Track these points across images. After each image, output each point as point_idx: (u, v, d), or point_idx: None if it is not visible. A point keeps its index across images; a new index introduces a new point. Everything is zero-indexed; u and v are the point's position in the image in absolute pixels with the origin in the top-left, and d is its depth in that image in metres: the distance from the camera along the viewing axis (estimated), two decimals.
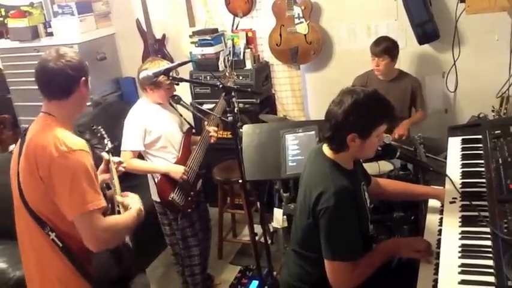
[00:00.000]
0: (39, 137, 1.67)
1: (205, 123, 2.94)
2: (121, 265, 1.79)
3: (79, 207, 1.61)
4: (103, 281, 1.74)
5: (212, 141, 2.91)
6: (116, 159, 2.08)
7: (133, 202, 1.89)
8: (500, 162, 1.93)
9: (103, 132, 2.25)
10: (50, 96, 1.76)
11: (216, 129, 2.94)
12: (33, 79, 4.36)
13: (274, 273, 2.90)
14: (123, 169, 2.08)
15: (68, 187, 1.60)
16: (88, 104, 4.36)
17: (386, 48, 3.24)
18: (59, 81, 1.73)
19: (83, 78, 1.77)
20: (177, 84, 2.72)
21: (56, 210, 1.64)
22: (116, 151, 2.24)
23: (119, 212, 1.82)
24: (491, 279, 1.42)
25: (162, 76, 2.40)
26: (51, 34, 4.37)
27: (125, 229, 1.79)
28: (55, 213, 1.65)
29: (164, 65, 2.62)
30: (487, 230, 1.63)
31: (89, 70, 1.84)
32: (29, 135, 1.71)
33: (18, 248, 2.68)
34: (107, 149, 2.13)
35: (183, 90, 3.46)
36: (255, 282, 2.96)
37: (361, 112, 1.76)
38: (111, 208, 1.82)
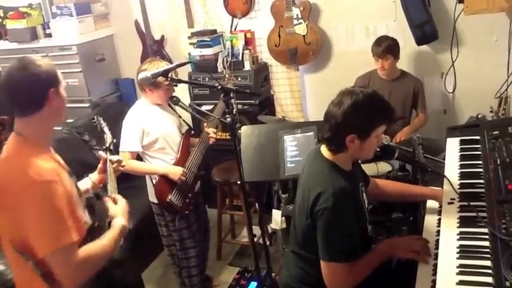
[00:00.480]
0: (5, 164, 1.57)
1: (205, 124, 2.94)
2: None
3: (49, 244, 1.49)
4: None
5: (211, 142, 2.91)
6: (114, 157, 2.00)
7: (118, 214, 1.75)
8: (499, 162, 1.93)
9: (103, 125, 2.16)
10: (16, 113, 1.61)
11: (215, 130, 2.94)
12: None
13: (273, 274, 2.90)
14: (121, 168, 2.01)
15: (35, 223, 1.48)
16: (87, 105, 4.37)
17: (388, 47, 3.24)
18: (23, 97, 1.58)
19: (51, 89, 1.59)
20: (176, 86, 2.73)
21: (28, 240, 1.52)
22: (115, 149, 2.20)
23: (109, 224, 1.72)
24: (489, 279, 1.42)
25: (161, 77, 2.40)
26: (49, 35, 4.37)
27: (104, 256, 1.64)
28: (27, 243, 1.52)
29: (163, 65, 2.62)
30: (485, 230, 1.63)
31: (58, 79, 1.65)
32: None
33: None
34: (107, 143, 2.05)
35: (182, 92, 3.46)
36: (254, 284, 2.96)
37: (361, 113, 1.76)
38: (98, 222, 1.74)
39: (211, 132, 2.90)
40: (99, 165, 1.99)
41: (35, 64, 1.60)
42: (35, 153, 1.58)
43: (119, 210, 1.78)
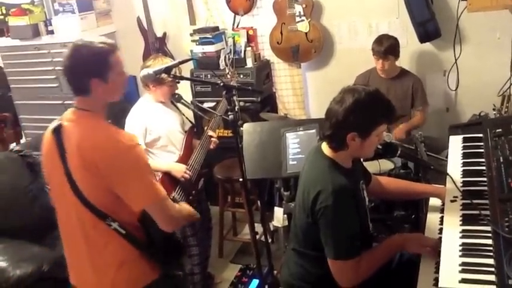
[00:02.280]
0: (92, 138, 1.66)
1: (205, 128, 2.93)
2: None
3: (150, 197, 1.68)
4: (166, 258, 1.83)
5: (212, 147, 2.90)
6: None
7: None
8: (502, 160, 1.92)
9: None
10: (73, 91, 1.73)
11: (215, 135, 2.92)
12: (34, 78, 4.38)
13: (275, 272, 2.89)
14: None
15: (137, 180, 1.66)
16: None
17: (390, 48, 3.23)
18: (71, 82, 1.70)
19: (94, 79, 1.67)
20: (178, 82, 2.72)
21: (118, 201, 1.68)
22: None
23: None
24: (492, 277, 1.42)
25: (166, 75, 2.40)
26: (52, 32, 4.37)
27: (188, 217, 1.91)
28: (117, 204, 1.69)
29: (167, 62, 2.62)
30: (488, 228, 1.63)
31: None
32: (74, 135, 1.68)
33: (18, 247, 2.71)
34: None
35: (184, 89, 3.46)
36: (256, 281, 2.96)
37: (362, 111, 1.75)
38: None
39: (212, 134, 2.89)
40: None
41: (82, 52, 1.67)
42: (108, 123, 1.75)
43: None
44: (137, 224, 1.76)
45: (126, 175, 1.65)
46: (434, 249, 1.77)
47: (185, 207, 1.93)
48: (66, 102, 4.47)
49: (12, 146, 4.53)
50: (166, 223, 1.74)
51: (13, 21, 4.39)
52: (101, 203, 1.69)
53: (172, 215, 1.75)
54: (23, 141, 4.75)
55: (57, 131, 1.73)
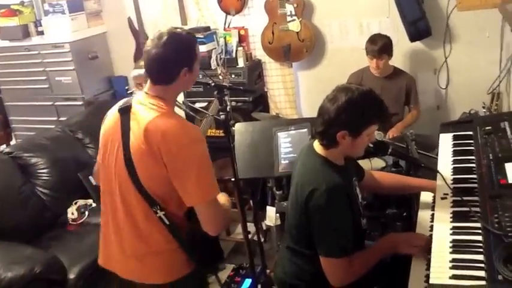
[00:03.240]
0: (161, 123, 1.65)
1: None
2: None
3: (205, 195, 1.66)
4: (202, 257, 1.81)
5: None
6: None
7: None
8: (491, 158, 1.94)
9: None
10: (154, 81, 1.72)
11: None
12: (25, 79, 4.36)
13: (268, 271, 2.90)
14: None
15: (195, 175, 1.63)
16: (80, 103, 4.36)
17: (383, 46, 3.24)
18: (158, 69, 1.69)
19: (184, 68, 1.69)
20: None
21: (171, 192, 1.67)
22: None
23: None
24: (482, 273, 1.43)
25: None
26: (42, 33, 4.35)
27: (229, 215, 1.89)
28: (169, 195, 1.68)
29: None
30: (478, 225, 1.64)
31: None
32: (142, 119, 1.67)
33: (10, 249, 2.69)
34: None
35: None
36: (248, 281, 2.96)
37: (354, 110, 1.76)
38: None
39: None
40: None
41: (174, 42, 1.67)
42: (178, 114, 1.75)
43: None
44: (183, 218, 1.75)
45: (188, 168, 1.63)
46: (426, 248, 1.79)
47: (226, 205, 1.87)
48: (56, 103, 4.46)
49: (3, 147, 4.50)
50: (212, 226, 1.71)
51: (3, 22, 4.37)
52: (154, 190, 1.68)
53: (220, 218, 1.73)
54: (13, 142, 4.72)
55: (126, 112, 1.73)
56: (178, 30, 1.74)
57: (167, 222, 1.71)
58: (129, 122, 1.70)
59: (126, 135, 1.69)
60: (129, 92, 2.65)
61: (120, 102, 1.80)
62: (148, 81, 1.74)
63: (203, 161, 1.67)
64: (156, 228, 1.72)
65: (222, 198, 1.86)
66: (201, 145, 1.68)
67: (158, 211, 1.70)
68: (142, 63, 2.63)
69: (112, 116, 1.80)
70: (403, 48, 3.64)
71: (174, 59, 1.68)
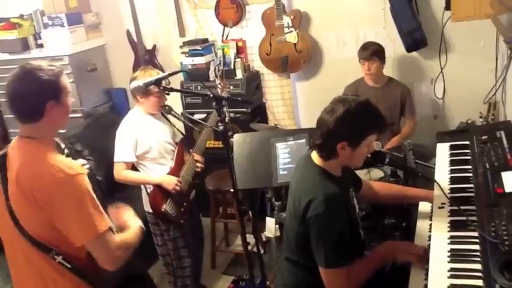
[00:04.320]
0: (30, 166, 1.60)
1: (191, 151, 2.94)
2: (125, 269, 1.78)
3: (90, 231, 1.58)
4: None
5: (199, 170, 2.91)
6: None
7: (132, 217, 1.87)
8: (488, 167, 1.95)
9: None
10: (20, 118, 1.65)
11: (201, 160, 2.93)
12: None
13: (267, 282, 2.90)
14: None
15: (75, 213, 1.57)
16: (79, 115, 4.37)
17: (375, 51, 3.28)
18: (21, 108, 1.63)
19: (50, 101, 1.62)
20: (168, 94, 2.73)
21: (60, 235, 1.60)
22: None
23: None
24: (480, 282, 1.43)
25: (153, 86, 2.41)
26: (41, 46, 4.37)
27: (133, 246, 1.76)
28: (59, 238, 1.61)
29: (155, 74, 2.64)
30: (476, 234, 1.64)
31: (67, 86, 1.68)
32: (15, 164, 1.63)
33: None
34: None
35: (174, 101, 3.47)
36: None
37: (353, 121, 1.78)
38: None
39: (199, 158, 2.90)
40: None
41: (35, 75, 1.61)
42: (53, 151, 1.66)
43: (131, 213, 1.89)
44: (86, 257, 1.66)
45: (65, 207, 1.56)
46: (423, 256, 1.79)
47: (129, 234, 1.76)
48: None
49: None
50: (106, 261, 1.63)
51: (2, 35, 4.39)
52: (42, 236, 1.62)
53: (113, 252, 1.62)
54: None
55: (2, 160, 1.67)
56: (38, 63, 1.65)
57: (69, 266, 1.64)
58: (6, 171, 1.65)
59: (5, 185, 1.64)
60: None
61: (1, 151, 1.73)
62: (20, 124, 1.67)
63: (81, 197, 1.58)
64: (60, 273, 1.66)
65: (132, 227, 1.79)
66: (76, 181, 1.58)
67: (56, 256, 1.63)
68: (135, 74, 2.68)
69: None
70: (399, 59, 3.67)
71: (35, 93, 1.61)
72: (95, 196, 1.63)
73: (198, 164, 2.90)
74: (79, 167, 1.65)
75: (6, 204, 1.63)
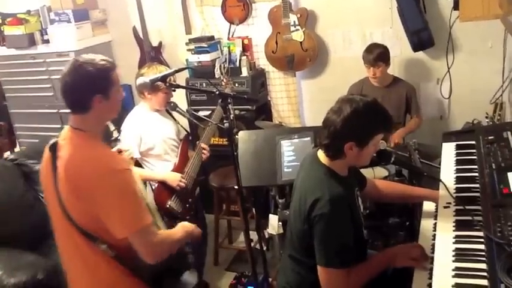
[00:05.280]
0: (78, 158, 1.64)
1: (197, 142, 2.94)
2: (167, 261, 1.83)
3: (132, 225, 1.62)
4: (155, 278, 1.79)
5: (204, 158, 2.90)
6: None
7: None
8: (494, 167, 1.94)
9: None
10: (69, 109, 1.71)
11: (207, 148, 2.93)
12: (30, 87, 4.36)
13: (270, 279, 2.89)
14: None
15: (117, 208, 1.61)
16: None
17: (379, 55, 3.26)
18: (71, 97, 1.68)
19: (98, 95, 1.66)
20: (174, 91, 2.74)
21: (104, 225, 1.64)
22: None
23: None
24: (485, 282, 1.43)
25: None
26: (47, 41, 4.39)
27: (177, 242, 1.82)
28: (102, 228, 1.65)
29: (162, 70, 2.64)
30: (481, 234, 1.64)
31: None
32: (64, 154, 1.67)
33: (13, 255, 2.69)
34: None
35: (179, 97, 3.47)
36: None
37: (360, 121, 1.77)
38: None
39: (205, 146, 2.90)
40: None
41: (84, 69, 1.65)
42: (101, 144, 1.72)
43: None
44: (128, 245, 1.68)
45: (109, 200, 1.60)
46: (423, 258, 1.78)
47: (174, 233, 1.83)
48: (61, 111, 4.49)
49: (7, 154, 4.52)
50: (148, 254, 1.67)
51: (9, 30, 4.41)
52: (88, 225, 1.66)
53: (155, 246, 1.67)
54: (17, 149, 4.75)
55: (53, 149, 1.72)
56: (91, 57, 1.70)
57: (112, 254, 1.70)
58: (56, 160, 1.69)
59: (55, 174, 1.68)
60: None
61: (52, 139, 1.77)
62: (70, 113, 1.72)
63: (125, 192, 1.62)
64: (104, 261, 1.70)
65: (179, 227, 1.86)
66: (121, 175, 1.63)
67: (100, 244, 1.68)
68: (142, 71, 2.68)
69: (45, 154, 1.78)
70: (406, 58, 3.65)
71: (82, 86, 1.65)
72: (137, 192, 1.68)
73: (205, 152, 2.89)
74: (125, 162, 1.71)
75: (56, 193, 1.68)
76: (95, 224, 1.65)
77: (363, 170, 2.38)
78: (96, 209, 1.62)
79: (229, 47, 3.93)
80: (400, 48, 3.60)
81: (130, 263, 1.72)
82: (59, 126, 4.48)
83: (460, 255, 1.59)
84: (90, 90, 1.66)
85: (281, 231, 2.72)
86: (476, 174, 2.02)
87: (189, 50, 3.99)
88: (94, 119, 1.70)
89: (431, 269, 1.63)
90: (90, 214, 1.63)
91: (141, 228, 1.63)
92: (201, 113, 3.59)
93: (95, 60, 1.68)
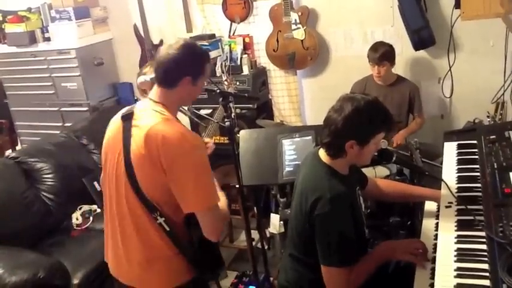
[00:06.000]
0: (161, 129, 1.66)
1: (202, 135, 2.94)
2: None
3: (205, 202, 1.67)
4: (203, 263, 1.81)
5: (208, 153, 2.90)
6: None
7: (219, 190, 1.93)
8: (496, 167, 1.94)
9: None
10: (158, 81, 1.75)
11: (211, 141, 2.93)
12: (30, 84, 4.36)
13: (271, 278, 2.90)
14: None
15: (194, 182, 1.64)
16: (85, 109, 4.39)
17: (385, 54, 3.26)
18: (164, 68, 1.72)
19: (187, 77, 1.72)
20: None
21: (170, 199, 1.68)
22: None
23: None
24: (487, 282, 1.42)
25: None
26: (48, 39, 4.39)
27: (227, 218, 1.92)
28: (168, 201, 1.69)
29: None
30: (483, 234, 1.63)
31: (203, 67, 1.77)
32: (144, 123, 1.69)
33: (14, 253, 2.69)
34: None
35: None
36: None
37: (361, 120, 1.77)
38: None
39: (209, 140, 2.90)
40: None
41: (189, 48, 1.73)
42: (177, 120, 1.77)
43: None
44: (182, 224, 1.75)
45: (186, 174, 1.64)
46: (423, 254, 1.78)
47: (224, 206, 1.85)
48: (62, 109, 4.49)
49: (8, 152, 4.53)
50: (212, 232, 1.72)
51: (10, 28, 4.41)
52: (154, 196, 1.70)
53: (219, 224, 1.74)
54: (18, 147, 4.75)
55: (128, 118, 1.75)
56: (197, 42, 1.79)
57: (167, 229, 1.72)
58: (131, 128, 1.72)
59: (127, 141, 1.71)
60: (135, 99, 2.66)
61: (124, 110, 1.82)
62: (155, 85, 1.77)
63: (202, 168, 1.67)
64: (156, 234, 1.73)
65: (222, 198, 1.86)
66: (200, 152, 1.69)
67: (158, 217, 1.71)
68: (145, 70, 2.67)
69: (114, 123, 1.82)
70: (407, 57, 3.65)
71: (180, 63, 1.71)
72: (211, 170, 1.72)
73: (209, 145, 2.89)
74: (202, 140, 1.78)
75: (125, 160, 1.70)
76: (161, 194, 1.69)
77: (364, 169, 2.38)
78: (171, 179, 1.65)
79: (230, 45, 3.93)
80: (401, 46, 3.59)
81: (181, 241, 1.75)
82: (60, 124, 4.49)
83: (462, 255, 1.59)
84: (185, 69, 1.71)
85: (282, 230, 2.72)
86: (478, 173, 2.02)
87: None
88: (175, 96, 1.75)
89: (433, 269, 1.63)
90: (161, 183, 1.66)
91: (213, 205, 1.69)
92: (202, 112, 3.57)
93: (198, 46, 1.80)
